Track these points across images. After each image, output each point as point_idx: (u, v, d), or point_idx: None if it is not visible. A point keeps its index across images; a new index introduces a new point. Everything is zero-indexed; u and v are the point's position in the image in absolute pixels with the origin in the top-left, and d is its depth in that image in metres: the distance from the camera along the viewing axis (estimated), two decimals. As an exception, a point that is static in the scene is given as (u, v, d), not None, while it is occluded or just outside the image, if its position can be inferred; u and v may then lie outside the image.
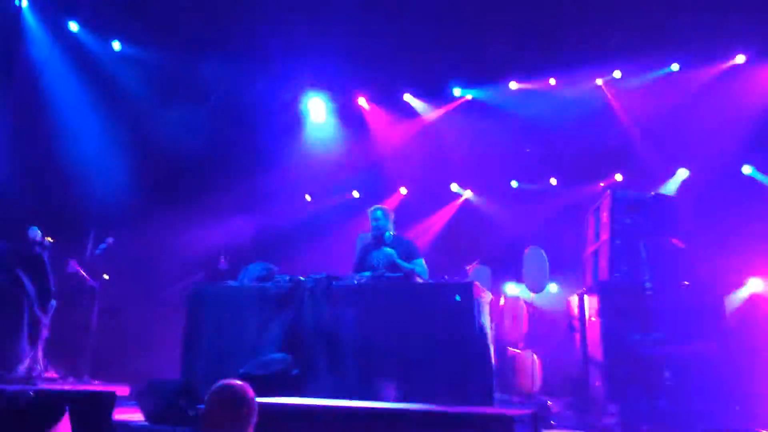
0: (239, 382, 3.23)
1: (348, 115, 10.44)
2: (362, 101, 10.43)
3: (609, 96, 9.50)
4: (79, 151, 8.65)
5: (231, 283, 6.05)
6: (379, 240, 5.97)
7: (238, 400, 3.12)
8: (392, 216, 6.17)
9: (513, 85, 9.77)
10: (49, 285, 6.27)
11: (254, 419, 3.24)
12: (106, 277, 7.91)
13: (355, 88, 10.26)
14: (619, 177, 9.50)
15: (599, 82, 9.47)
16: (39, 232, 6.47)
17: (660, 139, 8.91)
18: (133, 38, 9.24)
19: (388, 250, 5.89)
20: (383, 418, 3.80)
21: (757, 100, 8.38)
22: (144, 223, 8.59)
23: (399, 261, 5.83)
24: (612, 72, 9.35)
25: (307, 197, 10.54)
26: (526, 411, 3.91)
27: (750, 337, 7.29)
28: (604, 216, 6.36)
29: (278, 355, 5.16)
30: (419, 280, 5.72)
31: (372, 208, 6.22)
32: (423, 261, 5.99)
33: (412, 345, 5.27)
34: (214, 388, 3.18)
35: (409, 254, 5.94)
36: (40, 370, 6.08)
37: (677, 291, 5.83)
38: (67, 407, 2.98)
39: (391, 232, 6.01)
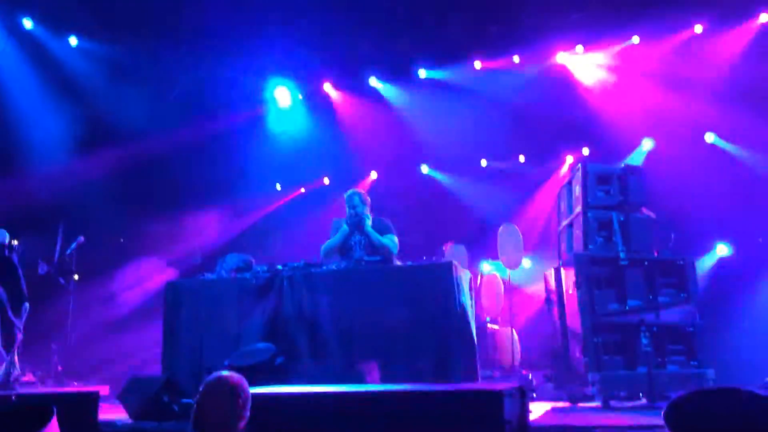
0: (234, 374, 3.23)
1: (314, 102, 10.38)
2: (328, 87, 10.37)
3: (571, 71, 9.60)
4: (42, 151, 8.46)
5: (208, 275, 6.00)
6: (356, 225, 5.97)
7: (233, 391, 3.13)
8: (368, 200, 6.16)
9: (477, 65, 9.80)
10: (21, 288, 6.14)
11: (248, 411, 3.24)
12: (76, 277, 7.78)
13: (320, 74, 10.20)
14: (585, 151, 9.64)
15: (562, 57, 9.55)
16: (7, 234, 6.33)
17: (624, 111, 9.03)
18: (90, 32, 9.03)
19: (368, 228, 5.90)
20: (373, 401, 3.81)
21: (715, 69, 8.55)
22: (114, 220, 8.46)
23: (372, 233, 5.87)
24: (574, 47, 9.44)
25: (278, 186, 10.48)
26: (514, 385, 3.96)
27: (720, 299, 7.53)
28: (576, 189, 6.43)
29: (262, 345, 5.14)
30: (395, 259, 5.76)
31: (348, 193, 6.19)
32: (395, 237, 6.00)
33: (394, 327, 5.28)
34: (208, 380, 3.17)
35: (383, 230, 5.97)
36: (17, 375, 5.98)
37: (650, 260, 5.94)
38: (54, 409, 2.92)
39: (368, 216, 6.01)
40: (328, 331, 5.38)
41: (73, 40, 9.06)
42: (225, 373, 3.36)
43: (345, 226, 5.99)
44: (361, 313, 5.36)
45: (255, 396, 3.39)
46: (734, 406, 2.38)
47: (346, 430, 3.69)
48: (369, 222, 5.96)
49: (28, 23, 8.77)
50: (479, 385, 4.77)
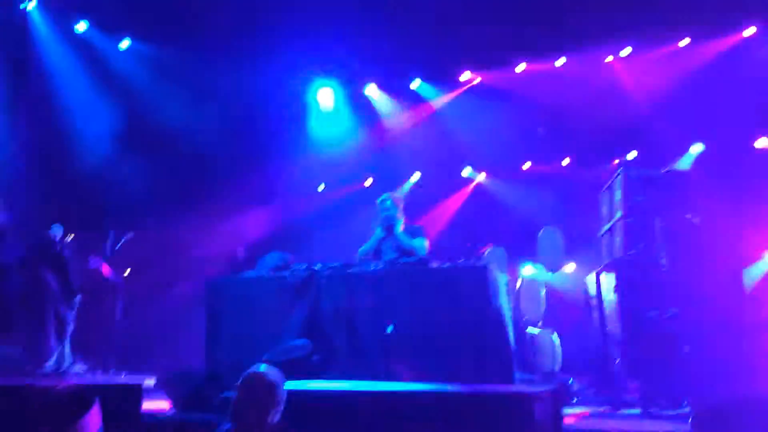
0: (271, 369, 3.35)
1: (358, 103, 10.47)
2: (371, 88, 10.45)
3: (619, 73, 9.46)
4: (94, 149, 8.76)
5: (248, 273, 6.14)
6: (389, 230, 6.06)
7: (269, 386, 3.24)
8: (401, 204, 6.24)
9: (522, 67, 9.75)
10: (72, 281, 6.37)
11: (282, 406, 3.34)
12: (126, 272, 8.03)
13: (363, 76, 10.29)
14: (632, 155, 9.48)
15: (609, 59, 9.43)
16: (60, 230, 6.57)
17: (672, 115, 8.86)
18: (140, 35, 9.32)
19: (398, 231, 6.00)
20: (404, 400, 3.86)
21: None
22: (161, 217, 8.71)
23: (401, 236, 5.99)
24: (622, 49, 9.30)
25: (321, 187, 10.61)
26: (546, 389, 3.96)
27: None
28: (617, 194, 6.36)
29: (299, 342, 5.25)
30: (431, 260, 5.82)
31: (381, 198, 6.29)
32: (425, 241, 6.10)
33: (430, 328, 5.32)
34: (246, 374, 3.31)
35: (413, 234, 6.10)
36: (68, 365, 6.20)
37: (693, 266, 5.83)
38: (96, 397, 3.05)
39: (400, 220, 6.10)
40: (364, 330, 5.46)
41: (125, 43, 9.35)
42: (262, 368, 3.47)
43: (378, 230, 6.09)
44: (397, 313, 5.42)
45: (290, 391, 3.50)
46: (760, 413, 2.36)
47: (376, 427, 3.75)
48: (400, 226, 6.05)
49: (82, 26, 9.09)
50: (510, 388, 4.77)
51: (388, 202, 6.18)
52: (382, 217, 6.14)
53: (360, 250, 6.16)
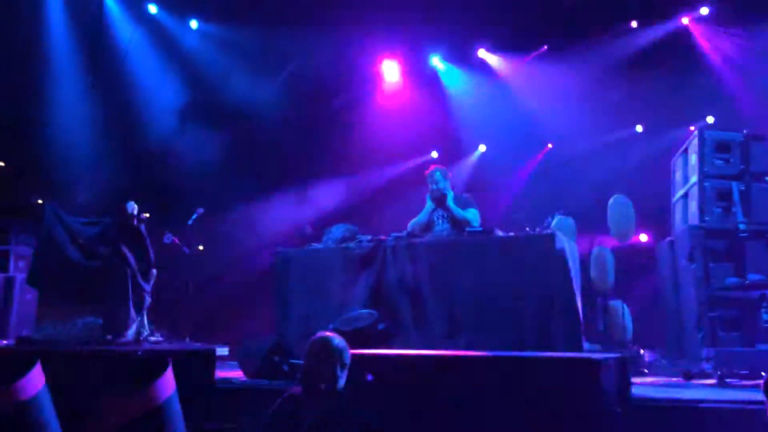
0: (336, 335, 3.45)
1: (422, 76, 10.40)
2: (436, 60, 10.35)
3: (696, 35, 9.06)
4: (166, 129, 9.05)
5: (315, 245, 6.24)
6: (439, 201, 6.04)
7: (335, 350, 3.34)
8: (450, 176, 6.23)
9: (595, 31, 9.43)
10: (149, 255, 6.62)
11: (346, 370, 3.42)
12: (200, 247, 8.28)
13: (428, 48, 10.19)
14: (710, 119, 9.08)
15: (685, 21, 9.02)
16: (136, 206, 6.83)
17: (751, 79, 8.42)
18: (209, 16, 9.52)
19: (451, 203, 6.01)
20: (470, 366, 3.86)
21: None
22: (232, 193, 8.94)
23: (454, 208, 5.97)
24: (698, 9, 8.89)
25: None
26: (612, 356, 3.87)
27: None
28: (693, 158, 6.11)
29: (365, 312, 5.31)
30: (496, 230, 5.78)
31: (430, 170, 6.27)
32: (477, 211, 6.08)
33: (496, 298, 5.29)
34: (314, 339, 3.42)
35: (464, 205, 6.08)
36: (146, 335, 6.48)
37: (772, 231, 5.57)
38: (170, 360, 3.20)
39: (451, 191, 6.08)
40: (430, 300, 5.48)
41: (193, 24, 9.56)
42: (329, 334, 3.57)
43: (429, 202, 6.09)
44: (463, 282, 5.41)
45: (356, 356, 3.57)
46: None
47: (443, 393, 3.77)
48: (451, 197, 6.02)
49: (153, 8, 9.35)
50: (575, 354, 4.69)
51: (438, 174, 6.18)
52: (432, 189, 6.14)
53: (411, 222, 6.17)
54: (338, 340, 3.54)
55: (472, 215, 6.00)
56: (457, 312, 5.35)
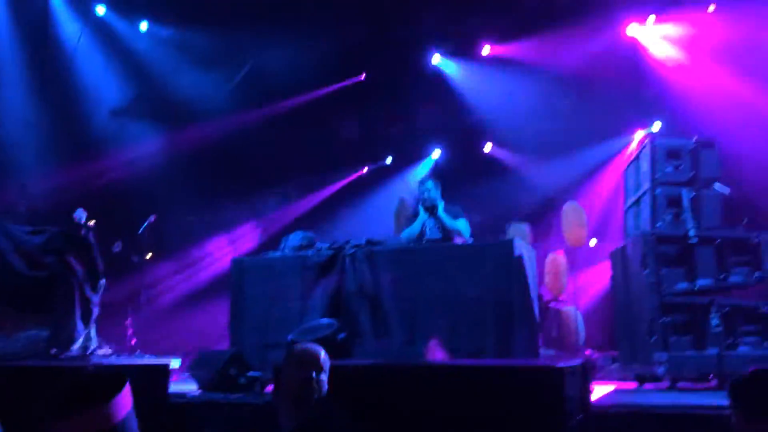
0: (312, 346, 3.36)
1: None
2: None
3: (643, 43, 9.28)
4: (117, 133, 8.79)
5: (272, 253, 6.13)
6: (430, 210, 6.04)
7: (312, 357, 3.26)
8: (440, 186, 6.24)
9: (540, 39, 9.57)
10: (97, 265, 6.42)
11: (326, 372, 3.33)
12: (149, 255, 8.07)
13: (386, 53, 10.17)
14: (656, 126, 9.31)
15: (632, 29, 9.23)
16: (84, 213, 6.61)
17: (698, 85, 8.67)
18: (159, 17, 9.29)
19: (441, 213, 6.04)
20: (433, 376, 3.83)
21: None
22: (184, 200, 8.75)
23: (444, 217, 5.98)
24: (645, 18, 9.11)
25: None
26: (576, 363, 3.91)
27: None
28: (644, 165, 6.23)
29: (324, 321, 5.24)
30: (460, 238, 5.78)
31: (421, 179, 6.30)
32: (466, 222, 6.11)
33: (455, 305, 5.30)
34: (290, 350, 3.34)
35: (455, 215, 6.11)
36: (94, 348, 6.26)
37: (722, 238, 5.71)
38: (127, 378, 3.05)
39: (442, 201, 6.10)
40: (390, 309, 5.45)
41: (143, 26, 9.32)
42: (308, 345, 3.49)
43: (421, 212, 6.09)
44: (423, 290, 5.41)
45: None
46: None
47: (405, 404, 3.73)
48: (441, 207, 6.04)
49: (101, 9, 9.07)
50: (541, 361, 4.73)
51: (429, 184, 6.20)
52: (424, 198, 6.13)
53: (404, 232, 6.17)
54: (318, 347, 3.46)
55: (463, 225, 6.05)
56: (418, 320, 5.33)
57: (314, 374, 3.24)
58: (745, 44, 8.28)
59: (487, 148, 10.50)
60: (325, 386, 3.27)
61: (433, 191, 6.14)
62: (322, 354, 3.33)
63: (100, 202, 7.62)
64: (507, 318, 5.16)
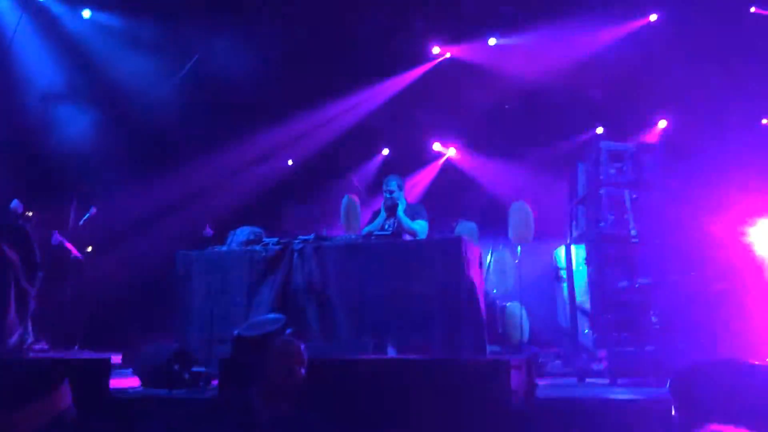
0: (293, 339, 3.32)
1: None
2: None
3: (587, 47, 9.48)
4: (55, 122, 8.50)
5: (218, 248, 6.04)
6: (391, 210, 6.06)
7: (290, 349, 3.21)
8: (404, 185, 6.30)
9: (493, 41, 9.72)
10: (34, 257, 6.20)
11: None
12: (89, 249, 7.85)
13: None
14: (600, 130, 9.54)
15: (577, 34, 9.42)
16: (20, 204, 6.39)
17: (642, 89, 8.92)
18: (103, 4, 9.03)
19: (401, 213, 6.09)
20: (381, 370, 3.84)
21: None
22: (125, 191, 8.52)
23: (403, 217, 6.04)
24: (588, 24, 9.31)
25: (289, 162, 10.50)
26: (521, 358, 3.98)
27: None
28: (589, 167, 6.39)
29: (272, 316, 5.18)
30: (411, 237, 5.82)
31: (387, 179, 6.31)
32: (425, 223, 6.17)
33: (403, 301, 5.32)
34: (275, 344, 3.31)
35: (415, 215, 6.17)
36: (30, 342, 6.06)
37: (662, 238, 5.89)
38: (64, 372, 2.97)
39: (404, 201, 6.13)
40: (338, 304, 5.43)
41: (86, 13, 9.04)
42: (289, 338, 3.45)
43: (382, 211, 6.10)
44: (371, 286, 5.40)
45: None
46: (738, 377, 2.38)
47: (353, 398, 3.73)
48: (403, 207, 6.06)
49: (42, -5, 8.76)
50: (487, 356, 4.79)
51: (393, 184, 6.23)
52: (386, 197, 6.15)
53: (364, 230, 6.17)
54: (298, 341, 3.42)
55: (420, 227, 6.07)
56: (366, 316, 5.33)
57: (297, 367, 3.22)
58: (690, 47, 8.53)
59: (436, 147, 10.57)
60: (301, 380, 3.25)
61: (396, 191, 6.18)
62: (302, 347, 3.32)
63: (39, 194, 7.36)
64: (454, 314, 5.20)
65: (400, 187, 6.25)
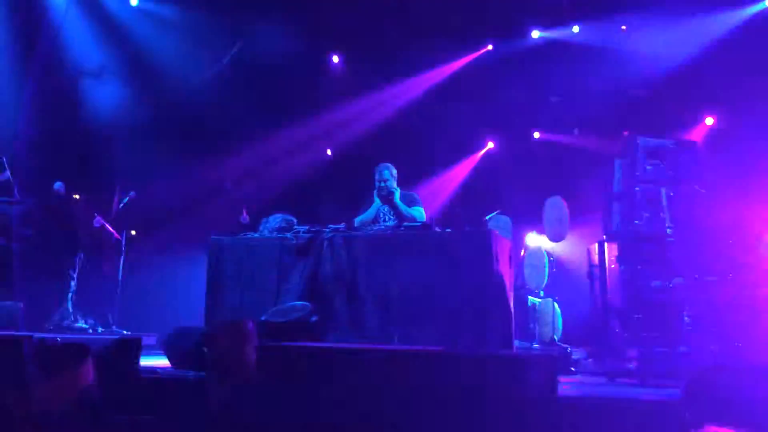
0: (244, 321, 3.38)
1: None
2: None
3: (634, 42, 9.29)
4: (101, 108, 8.71)
5: (251, 234, 6.13)
6: (385, 198, 6.05)
7: (242, 331, 3.26)
8: (396, 174, 6.27)
9: (535, 34, 9.61)
10: (77, 239, 6.40)
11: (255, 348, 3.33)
12: (133, 233, 8.03)
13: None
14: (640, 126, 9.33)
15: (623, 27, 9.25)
16: (64, 186, 6.58)
17: (685, 87, 8.71)
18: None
19: (397, 200, 6.06)
20: (398, 361, 3.86)
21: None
22: (166, 177, 8.69)
23: (400, 205, 6.00)
24: (636, 17, 9.11)
25: (328, 152, 10.56)
26: (542, 355, 3.94)
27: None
28: (626, 163, 6.27)
29: (298, 303, 5.25)
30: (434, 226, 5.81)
31: (379, 167, 6.28)
32: (422, 209, 6.14)
33: (431, 293, 5.31)
34: (221, 324, 3.34)
35: (410, 203, 6.13)
36: (70, 322, 6.25)
37: (698, 237, 5.76)
38: (89, 350, 3.07)
39: (397, 189, 6.11)
40: (365, 294, 5.46)
41: (133, 0, 9.23)
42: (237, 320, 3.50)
43: (376, 199, 6.09)
44: (399, 277, 5.41)
45: (286, 348, 3.50)
46: (757, 382, 2.33)
47: (375, 389, 3.75)
48: (398, 194, 6.05)
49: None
50: (505, 352, 4.76)
51: (386, 172, 6.20)
52: (380, 186, 6.14)
53: (357, 219, 6.17)
54: (249, 323, 3.48)
55: (418, 213, 6.04)
56: (392, 307, 5.34)
57: (244, 346, 3.24)
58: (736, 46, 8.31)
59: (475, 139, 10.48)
60: (253, 362, 3.27)
61: (389, 179, 6.16)
62: (250, 326, 3.34)
63: (83, 177, 7.57)
64: (481, 308, 5.18)
65: (393, 176, 6.22)
